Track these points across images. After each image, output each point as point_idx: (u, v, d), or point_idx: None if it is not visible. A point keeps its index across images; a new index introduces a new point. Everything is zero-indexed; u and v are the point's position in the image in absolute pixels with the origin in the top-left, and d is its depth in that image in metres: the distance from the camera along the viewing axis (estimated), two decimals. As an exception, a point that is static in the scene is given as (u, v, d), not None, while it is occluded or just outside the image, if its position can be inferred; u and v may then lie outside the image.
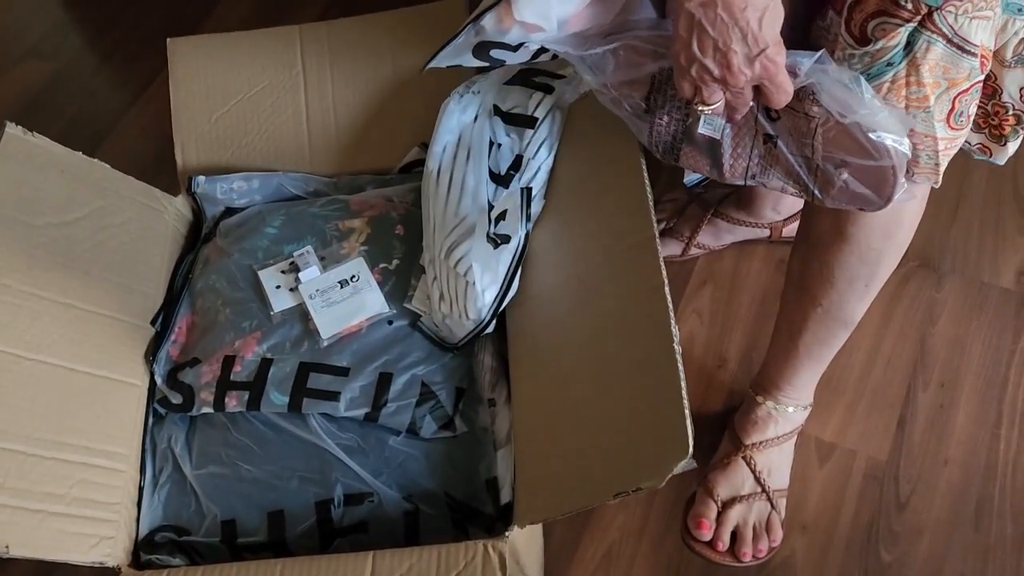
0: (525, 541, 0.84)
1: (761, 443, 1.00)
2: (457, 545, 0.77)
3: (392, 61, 1.03)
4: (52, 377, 0.82)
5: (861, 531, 1.03)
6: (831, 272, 0.85)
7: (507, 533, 0.78)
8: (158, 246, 0.98)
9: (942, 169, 0.72)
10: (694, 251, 1.21)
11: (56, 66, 1.62)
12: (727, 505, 0.98)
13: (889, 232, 0.81)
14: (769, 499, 0.99)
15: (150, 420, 0.90)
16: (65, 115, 1.54)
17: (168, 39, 1.06)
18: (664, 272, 0.77)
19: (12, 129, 0.87)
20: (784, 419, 1.00)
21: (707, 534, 0.98)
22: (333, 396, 0.85)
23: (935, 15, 0.62)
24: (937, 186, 0.73)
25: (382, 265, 0.93)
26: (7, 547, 0.73)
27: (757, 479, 0.99)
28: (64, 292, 0.86)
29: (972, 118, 0.71)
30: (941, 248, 1.23)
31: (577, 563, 1.05)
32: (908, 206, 0.77)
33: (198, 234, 1.04)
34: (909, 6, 0.62)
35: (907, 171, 0.69)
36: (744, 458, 0.99)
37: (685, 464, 0.67)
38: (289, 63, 1.03)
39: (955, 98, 0.67)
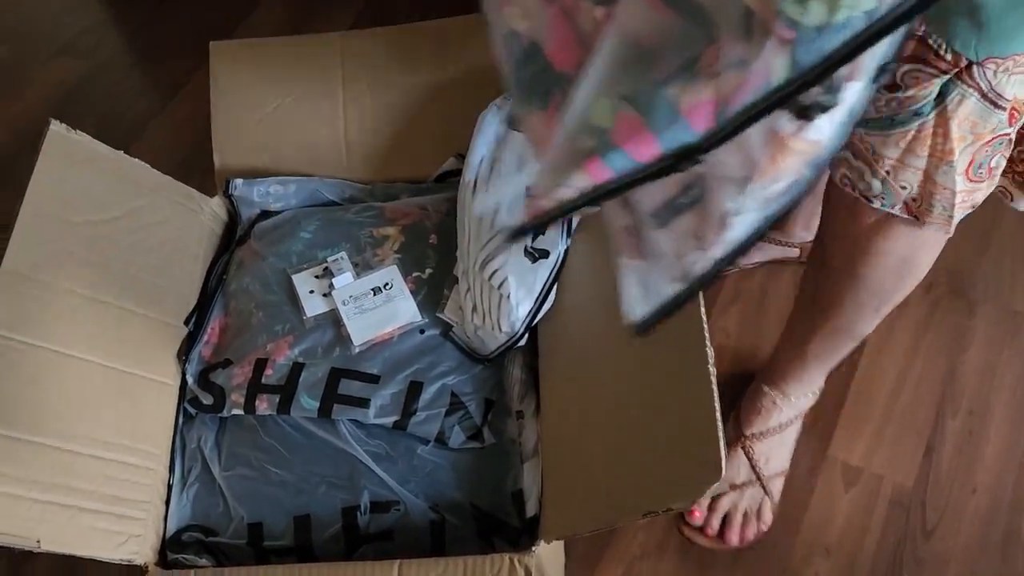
0: (550, 555, 0.84)
1: (763, 432, 1.00)
2: (484, 557, 0.77)
3: (430, 71, 1.04)
4: (88, 374, 0.83)
5: (886, 557, 1.02)
6: (841, 299, 0.85)
7: (534, 547, 0.78)
8: (193, 247, 0.99)
9: (955, 221, 0.69)
10: None
11: (90, 64, 1.64)
12: (720, 493, 0.98)
13: (901, 274, 0.80)
14: (763, 486, 0.99)
15: (180, 419, 0.91)
16: (96, 114, 1.55)
17: (211, 43, 1.07)
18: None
19: (55, 126, 0.88)
20: (788, 407, 1.00)
21: (698, 520, 0.99)
22: (363, 403, 0.86)
23: (974, 69, 0.58)
24: (949, 235, 0.71)
25: (415, 274, 0.93)
26: (38, 542, 0.74)
27: (753, 468, 0.99)
28: (101, 290, 0.87)
29: (996, 171, 0.68)
30: (972, 276, 1.22)
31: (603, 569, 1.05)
32: (922, 251, 0.76)
33: (232, 236, 1.05)
34: (948, 57, 0.58)
35: (919, 219, 0.67)
36: (743, 448, 1.00)
37: (717, 488, 0.67)
38: (329, 70, 1.04)
39: (977, 151, 0.64)
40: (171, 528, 0.86)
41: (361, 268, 0.94)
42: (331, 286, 0.92)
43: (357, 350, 0.88)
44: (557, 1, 0.50)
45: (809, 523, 1.05)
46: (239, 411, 0.88)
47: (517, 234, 0.53)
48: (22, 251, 0.81)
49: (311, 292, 0.93)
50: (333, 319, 0.91)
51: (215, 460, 0.88)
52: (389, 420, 0.86)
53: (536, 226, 0.50)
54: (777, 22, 0.38)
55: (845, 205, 0.73)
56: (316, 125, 1.04)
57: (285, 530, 0.85)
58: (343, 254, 0.95)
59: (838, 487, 1.07)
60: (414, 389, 0.87)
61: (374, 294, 0.91)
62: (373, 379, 0.87)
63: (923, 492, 1.06)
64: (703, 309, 0.76)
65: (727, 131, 0.41)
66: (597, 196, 0.46)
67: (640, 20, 0.44)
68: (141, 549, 0.81)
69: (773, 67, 0.39)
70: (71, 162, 0.89)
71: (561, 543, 1.01)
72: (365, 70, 1.04)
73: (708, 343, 0.75)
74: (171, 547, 0.85)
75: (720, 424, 0.69)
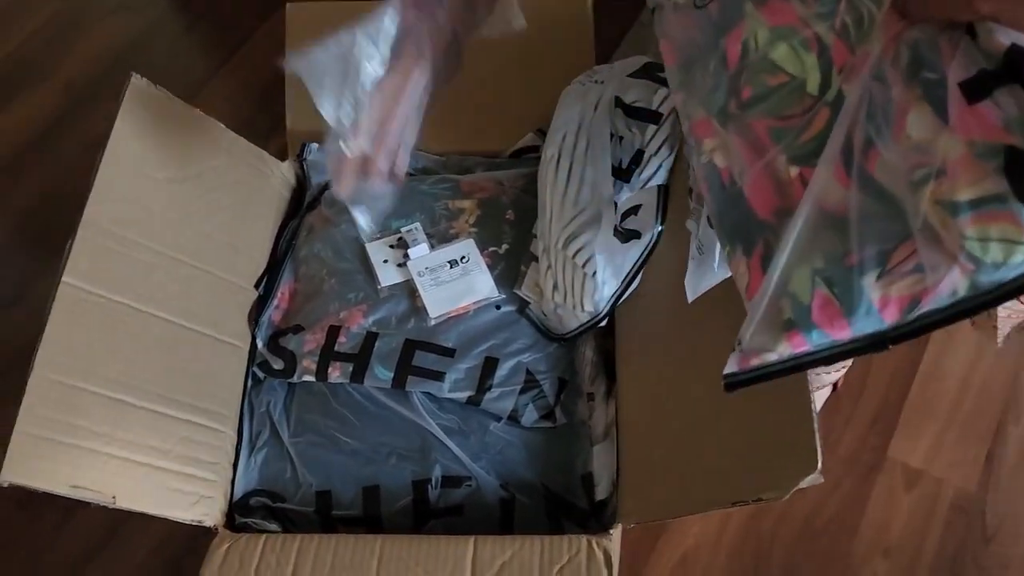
0: (616, 540, 0.83)
1: None
2: (561, 538, 0.76)
3: (511, 44, 1.02)
4: (163, 331, 0.82)
5: (945, 562, 1.01)
6: None
7: (611, 530, 0.77)
8: (264, 210, 0.98)
9: (1001, 334, 0.68)
10: None
11: (146, 23, 1.61)
12: None
13: None
14: None
15: (249, 383, 0.90)
16: (151, 75, 1.53)
17: (287, 4, 1.05)
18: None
19: (136, 79, 0.87)
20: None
21: None
22: (438, 376, 0.85)
23: None
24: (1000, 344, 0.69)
25: (491, 248, 0.92)
26: (114, 498, 0.73)
27: None
28: (178, 248, 0.85)
29: None
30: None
31: (652, 567, 1.04)
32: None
33: (299, 201, 1.03)
34: None
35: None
36: None
37: (812, 479, 0.65)
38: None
39: None
40: (238, 492, 0.85)
41: (436, 240, 0.93)
42: (406, 256, 0.91)
43: (433, 322, 0.87)
44: (757, 149, 0.55)
45: (868, 522, 1.04)
46: (310, 378, 0.87)
47: (730, 388, 0.55)
48: (102, 204, 0.80)
49: (385, 261, 0.91)
50: (408, 290, 0.90)
51: (284, 425, 0.87)
52: (463, 395, 0.85)
53: (746, 382, 0.54)
54: (960, 255, 0.43)
55: None
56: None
57: (353, 500, 0.84)
58: (417, 224, 0.93)
59: (898, 488, 1.06)
60: (489, 365, 0.85)
61: (450, 267, 0.89)
62: (448, 352, 0.86)
63: (984, 498, 1.05)
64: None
65: (915, 329, 0.46)
66: (796, 366, 0.51)
67: (834, 196, 0.49)
68: (211, 511, 0.80)
69: (958, 284, 0.44)
70: (150, 116, 0.87)
71: (619, 528, 1.01)
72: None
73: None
74: (238, 511, 0.84)
75: (815, 413, 0.67)
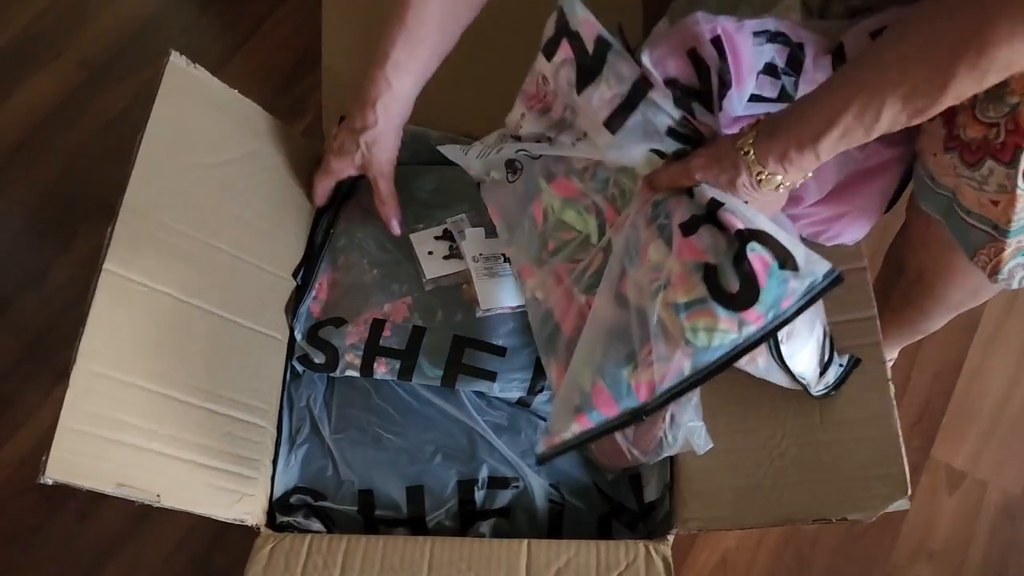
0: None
1: None
2: (617, 543, 0.75)
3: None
4: (204, 323, 0.79)
5: (992, 567, 1.00)
6: (917, 306, 0.90)
7: (669, 535, 0.75)
8: (300, 197, 0.94)
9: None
10: None
11: (161, 2, 1.57)
12: None
13: (979, 295, 0.84)
14: None
15: (287, 376, 0.87)
16: (156, 68, 1.48)
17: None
18: (874, 303, 0.77)
19: (176, 58, 0.83)
20: None
21: None
22: (489, 376, 0.82)
23: None
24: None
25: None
26: (158, 496, 0.70)
27: None
28: (216, 235, 0.82)
29: None
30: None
31: (689, 567, 1.02)
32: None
33: (337, 187, 1.00)
34: None
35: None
36: None
37: (899, 504, 0.67)
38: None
39: None
40: (279, 489, 0.82)
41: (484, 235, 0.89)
42: (451, 248, 0.88)
43: (481, 313, 0.84)
44: (561, 285, 0.76)
45: (911, 524, 1.03)
46: (354, 373, 0.84)
47: (541, 462, 0.73)
48: (142, 189, 0.76)
49: (430, 253, 0.88)
50: (455, 282, 0.87)
51: (325, 421, 0.85)
52: (514, 396, 0.82)
53: (552, 456, 0.69)
54: (682, 342, 0.62)
55: (957, 258, 0.73)
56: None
57: (397, 500, 0.81)
58: (463, 215, 0.90)
59: (941, 490, 1.04)
60: (541, 366, 0.82)
61: (505, 260, 0.86)
62: (499, 351, 0.83)
63: (1030, 501, 1.03)
64: (878, 322, 0.74)
65: (659, 403, 0.65)
66: (585, 439, 0.67)
67: (605, 313, 0.69)
68: (252, 509, 0.78)
69: (684, 365, 0.63)
70: (189, 97, 0.83)
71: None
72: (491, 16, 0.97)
73: (884, 354, 0.73)
74: (279, 509, 0.81)
75: (901, 438, 0.71)
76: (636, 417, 0.65)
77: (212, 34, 1.55)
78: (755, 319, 0.60)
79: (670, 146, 0.69)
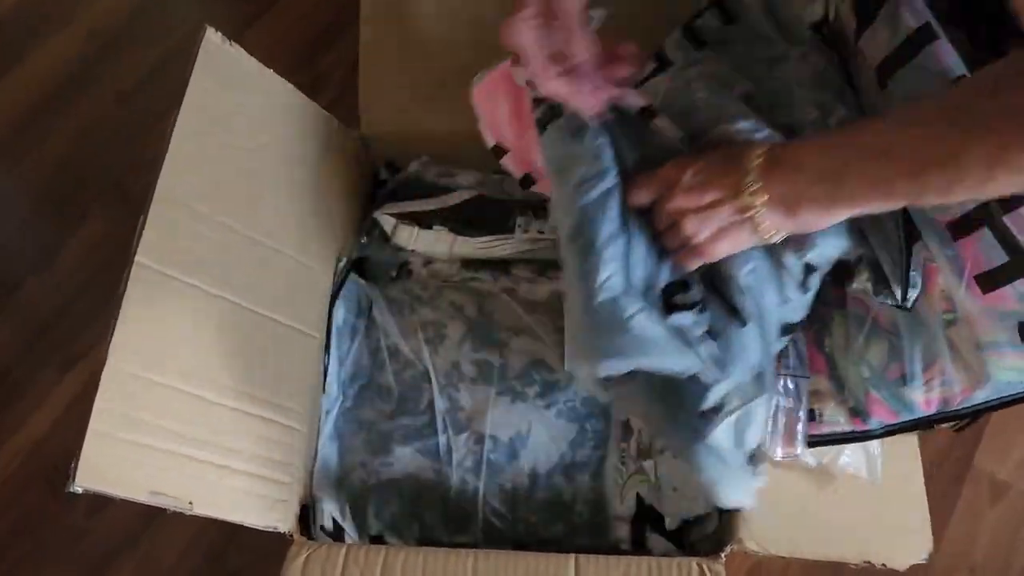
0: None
1: None
2: (670, 560, 0.72)
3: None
4: (237, 318, 0.74)
5: (1033, 582, 0.97)
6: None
7: (723, 553, 0.72)
8: (338, 183, 0.90)
9: None
10: None
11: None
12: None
13: None
14: None
15: (325, 377, 0.83)
16: (174, 36, 1.42)
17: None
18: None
19: (211, 35, 0.77)
20: None
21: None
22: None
23: None
24: None
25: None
26: (190, 503, 0.66)
27: None
28: (251, 225, 0.78)
29: None
30: None
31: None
32: None
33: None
34: None
35: None
36: None
37: (924, 556, 0.75)
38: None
39: None
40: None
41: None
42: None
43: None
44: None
45: (952, 536, 1.00)
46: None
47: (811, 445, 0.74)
48: (175, 176, 0.71)
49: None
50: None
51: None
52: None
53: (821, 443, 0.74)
54: (982, 377, 0.62)
55: None
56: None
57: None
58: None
59: (983, 501, 1.02)
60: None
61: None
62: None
63: (1074, 515, 1.01)
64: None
65: (960, 415, 0.67)
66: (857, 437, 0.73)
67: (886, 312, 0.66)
68: (285, 516, 0.74)
69: (979, 394, 0.64)
70: (223, 77, 0.78)
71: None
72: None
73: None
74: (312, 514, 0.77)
75: (926, 502, 0.78)
76: (923, 426, 0.69)
77: (225, 5, 1.49)
78: None
79: None
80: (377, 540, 0.79)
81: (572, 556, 0.72)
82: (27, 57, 1.36)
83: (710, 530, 0.79)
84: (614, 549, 0.79)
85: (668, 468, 0.80)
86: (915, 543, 0.74)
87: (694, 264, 0.62)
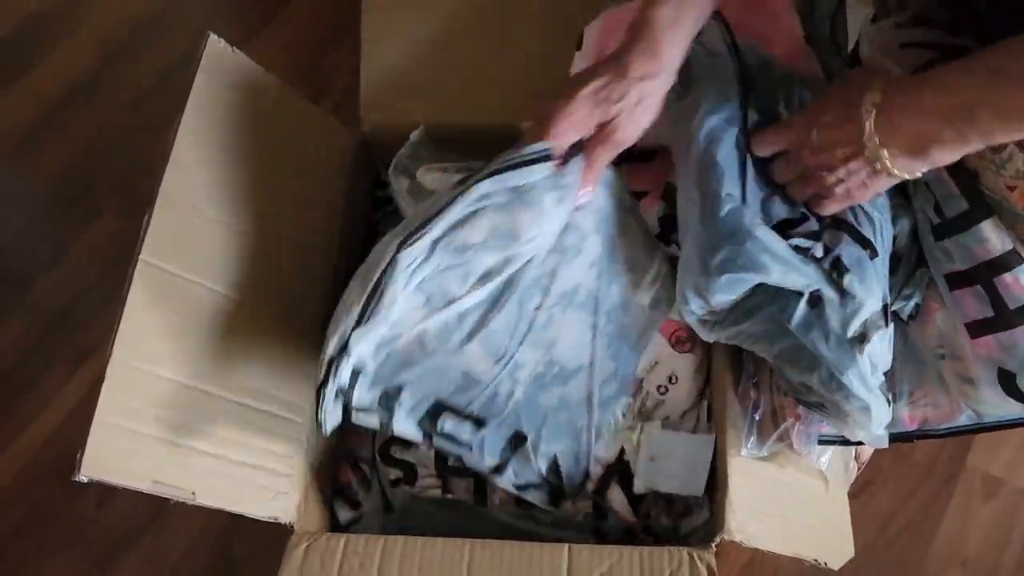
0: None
1: None
2: (661, 550, 0.74)
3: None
4: (238, 314, 0.77)
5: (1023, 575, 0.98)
6: None
7: (714, 543, 0.74)
8: (339, 184, 0.92)
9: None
10: None
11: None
12: None
13: None
14: None
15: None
16: (178, 47, 1.44)
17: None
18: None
19: (215, 40, 0.80)
20: None
21: None
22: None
23: None
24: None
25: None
26: (193, 494, 0.69)
27: None
28: (253, 226, 0.80)
29: None
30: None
31: (718, 566, 1.01)
32: None
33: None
34: None
35: None
36: None
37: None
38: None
39: None
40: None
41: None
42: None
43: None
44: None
45: (944, 532, 1.01)
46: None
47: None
48: (178, 176, 0.74)
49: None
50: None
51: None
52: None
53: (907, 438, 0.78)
54: (963, 406, 0.71)
55: None
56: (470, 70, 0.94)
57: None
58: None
59: (976, 498, 1.03)
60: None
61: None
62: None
63: (1067, 512, 1.02)
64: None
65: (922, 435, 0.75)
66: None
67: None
68: (287, 507, 0.76)
69: (961, 418, 0.72)
70: (226, 82, 0.81)
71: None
72: (533, 10, 0.94)
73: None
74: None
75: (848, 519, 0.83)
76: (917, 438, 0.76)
77: (233, 14, 1.52)
78: None
79: None
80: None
81: (565, 546, 0.73)
82: (40, 64, 1.39)
83: (700, 522, 0.81)
84: (584, 476, 0.82)
85: (654, 438, 0.82)
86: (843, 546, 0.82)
87: (836, 208, 0.66)
